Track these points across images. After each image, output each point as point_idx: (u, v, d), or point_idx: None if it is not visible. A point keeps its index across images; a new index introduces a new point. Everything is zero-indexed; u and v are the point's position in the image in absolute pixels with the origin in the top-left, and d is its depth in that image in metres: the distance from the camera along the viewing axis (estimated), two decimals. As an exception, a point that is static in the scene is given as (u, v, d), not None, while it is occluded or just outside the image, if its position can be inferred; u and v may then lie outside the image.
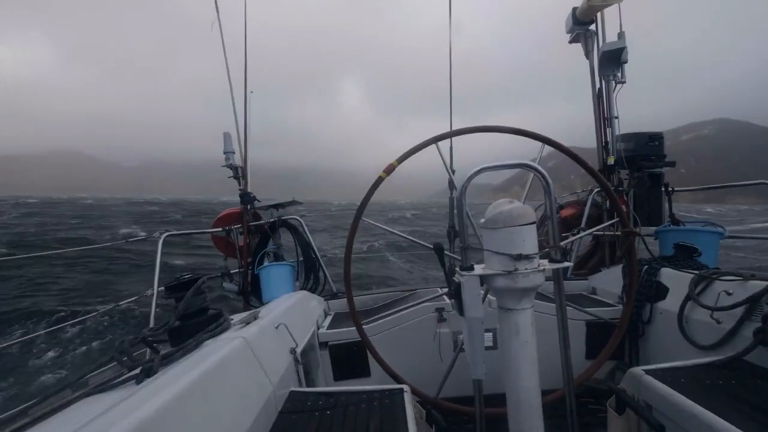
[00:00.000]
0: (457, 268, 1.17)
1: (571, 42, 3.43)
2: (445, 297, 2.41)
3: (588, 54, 3.34)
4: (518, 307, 1.09)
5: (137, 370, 1.13)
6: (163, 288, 1.60)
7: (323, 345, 2.31)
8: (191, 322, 1.42)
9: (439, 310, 2.37)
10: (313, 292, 3.04)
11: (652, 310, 2.13)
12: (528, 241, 1.07)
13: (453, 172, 2.42)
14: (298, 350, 1.76)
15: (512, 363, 1.10)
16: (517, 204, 1.13)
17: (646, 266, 2.23)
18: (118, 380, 1.12)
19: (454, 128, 1.77)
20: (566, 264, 1.18)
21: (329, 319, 2.62)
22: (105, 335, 6.02)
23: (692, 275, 1.90)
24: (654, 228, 2.91)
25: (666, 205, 3.18)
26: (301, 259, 3.30)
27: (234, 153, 3.43)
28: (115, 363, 1.20)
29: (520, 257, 1.06)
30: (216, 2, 3.41)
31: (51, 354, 5.51)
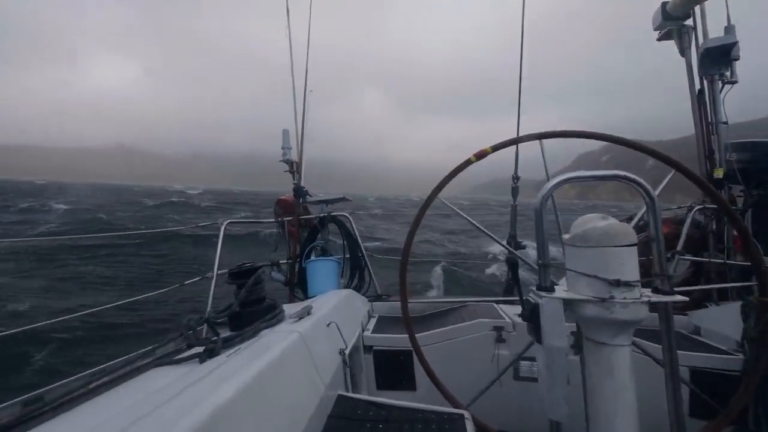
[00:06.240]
0: (533, 288, 1.06)
1: (659, 39, 3.07)
2: (503, 314, 2.23)
3: (684, 51, 2.95)
4: (613, 342, 0.96)
5: (200, 349, 1.20)
6: (226, 271, 1.66)
7: (367, 349, 2.22)
8: (250, 310, 1.49)
9: (498, 329, 2.12)
10: (357, 291, 3.06)
11: None
12: (628, 265, 0.95)
13: (518, 178, 2.29)
14: (347, 352, 1.70)
15: (602, 408, 0.96)
16: (614, 221, 1.00)
17: None
18: (182, 356, 1.20)
19: (526, 128, 1.60)
20: (678, 298, 1.00)
21: (373, 321, 2.54)
22: (167, 311, 6.51)
23: None
24: None
25: None
26: (348, 256, 3.34)
27: (291, 149, 3.56)
28: (181, 336, 1.28)
29: (618, 284, 0.93)
30: (287, 9, 3.60)
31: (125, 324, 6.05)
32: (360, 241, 3.37)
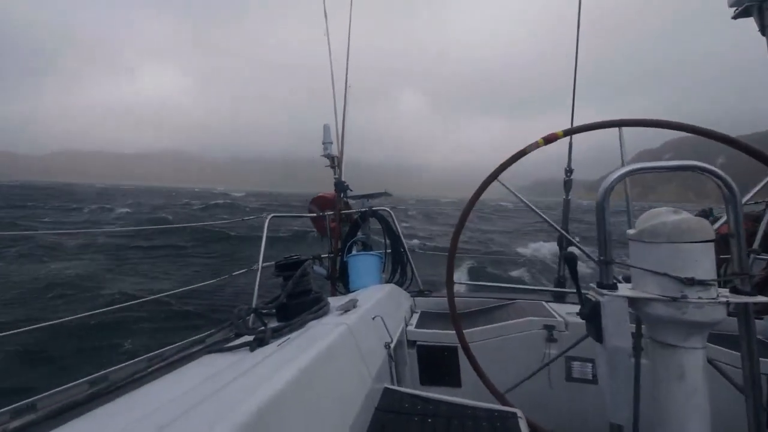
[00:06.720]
0: (593, 285, 1.00)
1: (735, 17, 2.72)
2: (554, 313, 2.14)
3: (765, 30, 2.61)
4: (684, 344, 0.90)
5: (250, 338, 1.20)
6: (271, 264, 1.67)
7: (411, 344, 2.20)
8: (296, 302, 1.48)
9: (549, 328, 2.06)
10: (399, 287, 3.01)
11: None
12: (703, 262, 0.88)
13: (571, 171, 2.15)
14: (392, 345, 1.69)
15: (673, 413, 0.90)
16: (687, 215, 0.93)
17: None
18: (233, 344, 1.21)
19: (576, 122, 1.53)
20: (762, 299, 0.92)
21: (416, 317, 2.52)
22: (215, 301, 7.10)
23: None
24: None
25: None
26: (389, 251, 3.30)
27: (332, 143, 3.57)
28: (230, 325, 1.29)
29: (692, 282, 0.86)
30: (325, 10, 3.65)
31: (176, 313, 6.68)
32: (402, 236, 3.32)
